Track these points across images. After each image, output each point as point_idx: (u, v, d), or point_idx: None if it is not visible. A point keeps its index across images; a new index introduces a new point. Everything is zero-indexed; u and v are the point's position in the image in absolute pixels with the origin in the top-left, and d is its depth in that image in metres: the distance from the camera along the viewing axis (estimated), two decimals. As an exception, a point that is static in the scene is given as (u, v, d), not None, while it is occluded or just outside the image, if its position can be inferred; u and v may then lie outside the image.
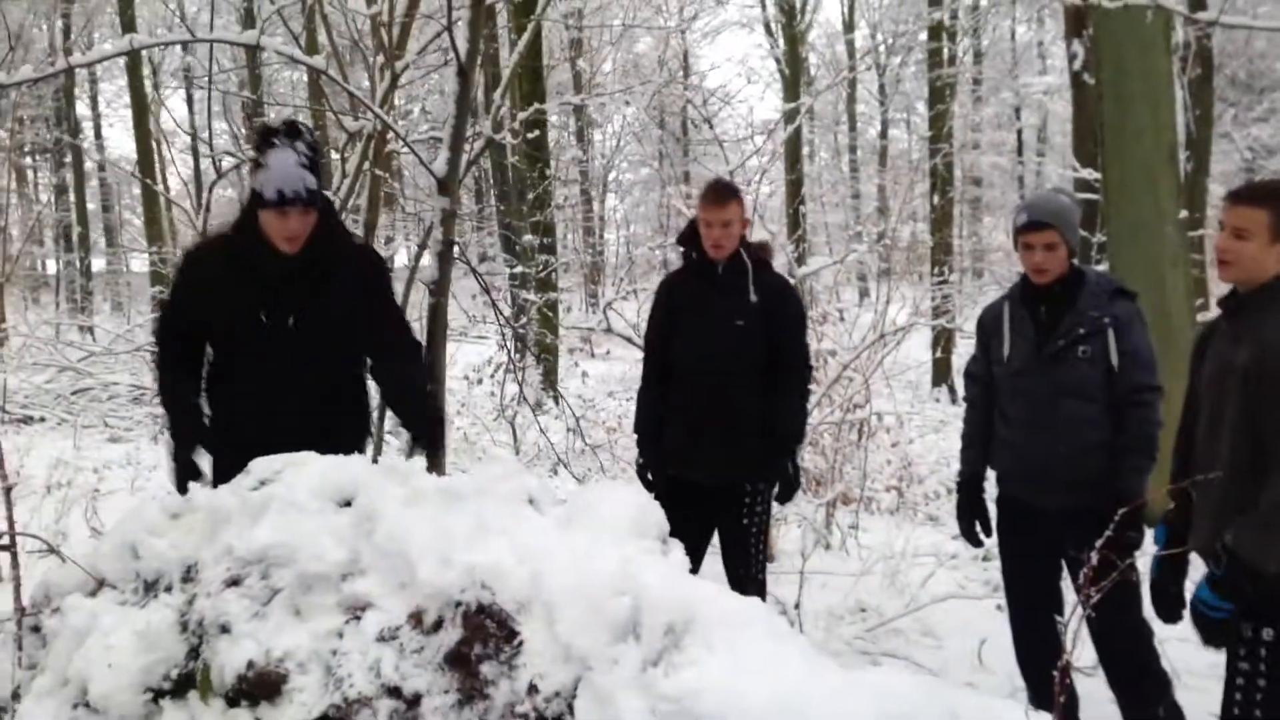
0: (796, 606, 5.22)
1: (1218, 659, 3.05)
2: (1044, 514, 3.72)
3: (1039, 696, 3.77)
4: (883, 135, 29.54)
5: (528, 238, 12.33)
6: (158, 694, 2.63)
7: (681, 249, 4.45)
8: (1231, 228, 2.92)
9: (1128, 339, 3.56)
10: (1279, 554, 2.70)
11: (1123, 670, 3.66)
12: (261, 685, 2.50)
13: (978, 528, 4.03)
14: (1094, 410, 3.58)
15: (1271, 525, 2.71)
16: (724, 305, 4.22)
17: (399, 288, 4.67)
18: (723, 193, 4.21)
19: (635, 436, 4.57)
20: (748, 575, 4.32)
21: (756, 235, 9.00)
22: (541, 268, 12.06)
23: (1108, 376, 3.57)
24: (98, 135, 32.71)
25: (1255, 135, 15.57)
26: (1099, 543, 2.08)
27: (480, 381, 11.90)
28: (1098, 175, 8.32)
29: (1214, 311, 3.21)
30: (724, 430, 4.21)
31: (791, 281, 4.51)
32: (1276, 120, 15.30)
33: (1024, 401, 3.73)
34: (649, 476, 4.41)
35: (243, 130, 20.29)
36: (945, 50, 19.92)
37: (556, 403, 11.94)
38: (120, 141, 35.58)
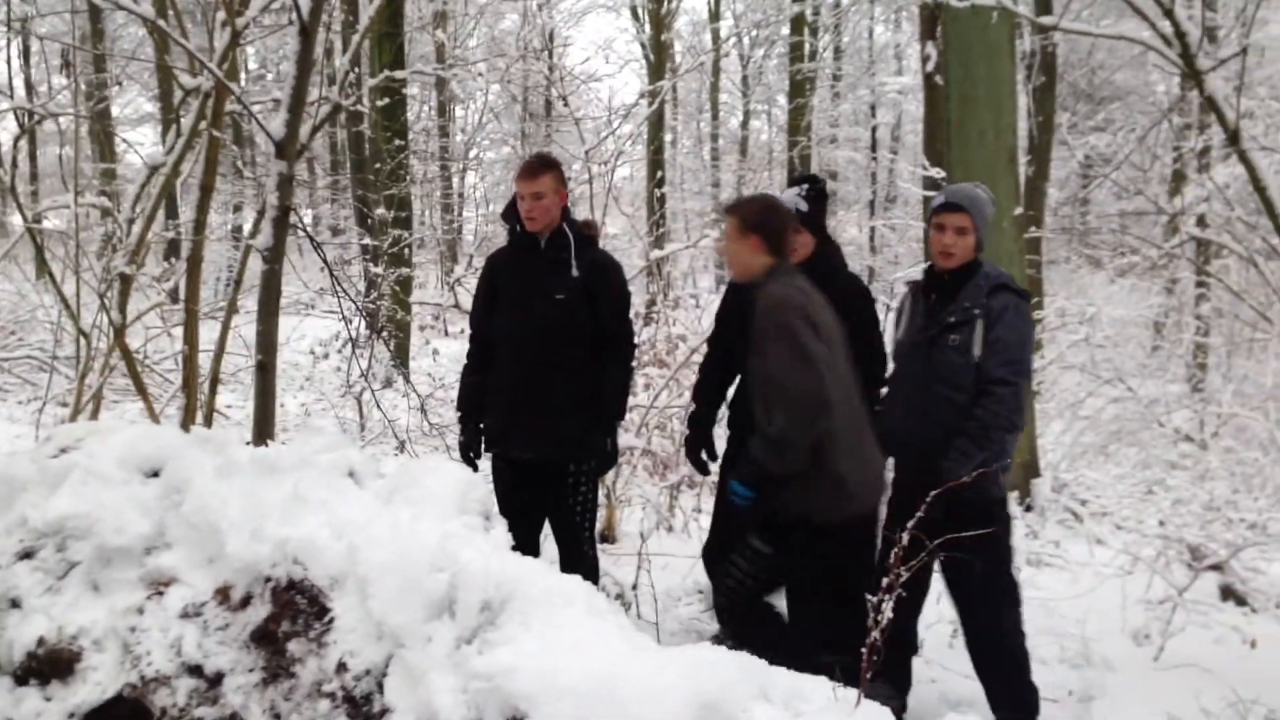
0: (634, 587, 5.22)
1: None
2: (908, 490, 3.72)
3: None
4: (744, 126, 29.89)
5: (380, 211, 12.04)
6: (-62, 672, 2.46)
7: (507, 224, 4.40)
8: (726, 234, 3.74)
9: (994, 330, 3.60)
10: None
11: (978, 648, 3.77)
12: (53, 663, 2.36)
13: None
14: (962, 399, 3.64)
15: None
16: (545, 279, 4.18)
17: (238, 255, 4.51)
18: (535, 166, 4.17)
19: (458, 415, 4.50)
20: (577, 554, 4.30)
21: (614, 218, 8.98)
22: (395, 242, 11.79)
23: (976, 368, 3.62)
24: (-78, 83, 30.66)
25: (1092, 144, 16.27)
26: (911, 523, 2.11)
27: (326, 356, 11.57)
28: (944, 174, 8.56)
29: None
30: (543, 406, 4.16)
31: (613, 257, 4.48)
32: (1113, 129, 16.02)
33: (903, 383, 3.85)
34: (470, 456, 4.35)
35: (77, 83, 19.26)
36: (806, 45, 20.27)
37: (405, 379, 11.69)
38: (-52, 91, 33.36)
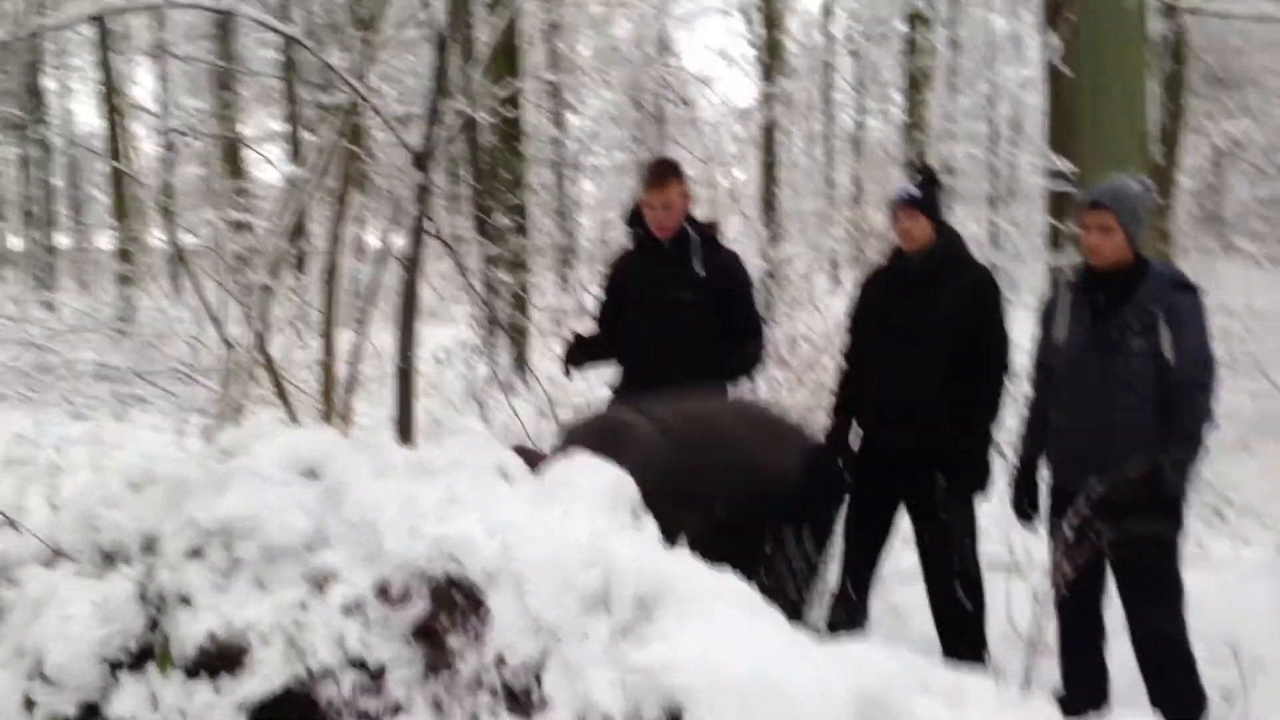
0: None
1: None
2: (1070, 494, 3.55)
3: (1076, 677, 3.76)
4: (858, 124, 29.53)
5: (502, 219, 12.24)
6: (115, 665, 2.58)
7: (630, 229, 4.46)
8: None
9: (1181, 333, 3.46)
10: None
11: (1147, 648, 3.62)
12: (223, 657, 2.45)
13: (1026, 504, 3.94)
14: (1145, 404, 3.49)
15: None
16: (670, 280, 4.22)
17: (369, 268, 4.65)
18: (661, 174, 4.22)
19: None
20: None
21: (733, 221, 8.98)
22: (516, 250, 11.98)
23: (1161, 371, 3.47)
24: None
25: (1227, 130, 15.67)
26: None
27: (449, 362, 11.81)
28: (1072, 167, 8.35)
29: None
30: None
31: (737, 254, 4.49)
32: (1248, 116, 15.40)
33: (1076, 390, 3.65)
34: None
35: (227, 103, 19.98)
36: (922, 39, 19.93)
37: (526, 385, 11.86)
38: (88, 116, 35.04)
